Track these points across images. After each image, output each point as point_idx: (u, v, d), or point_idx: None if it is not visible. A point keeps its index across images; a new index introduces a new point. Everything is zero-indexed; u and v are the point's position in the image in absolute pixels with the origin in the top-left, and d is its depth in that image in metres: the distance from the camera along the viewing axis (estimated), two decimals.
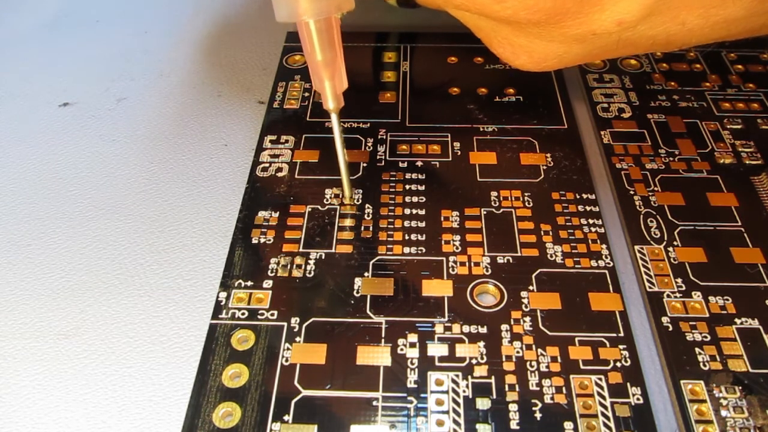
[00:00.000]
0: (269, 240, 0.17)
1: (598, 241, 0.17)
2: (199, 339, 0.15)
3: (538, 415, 0.14)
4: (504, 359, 0.15)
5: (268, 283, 0.16)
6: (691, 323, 0.15)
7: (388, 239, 0.17)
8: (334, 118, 0.16)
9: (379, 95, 0.22)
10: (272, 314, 0.16)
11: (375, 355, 0.15)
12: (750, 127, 0.20)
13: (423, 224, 0.17)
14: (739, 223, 0.17)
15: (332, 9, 0.15)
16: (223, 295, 0.16)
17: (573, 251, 0.17)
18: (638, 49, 0.16)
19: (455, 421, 0.14)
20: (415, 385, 0.14)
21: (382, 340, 0.15)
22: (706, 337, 0.15)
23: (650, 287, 0.16)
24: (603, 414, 0.14)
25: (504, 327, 0.15)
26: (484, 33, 0.17)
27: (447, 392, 0.14)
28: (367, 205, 0.18)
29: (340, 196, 0.18)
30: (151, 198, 0.19)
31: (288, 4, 0.15)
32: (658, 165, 0.19)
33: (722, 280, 0.16)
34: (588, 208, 0.18)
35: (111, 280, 0.17)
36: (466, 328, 0.15)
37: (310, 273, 0.16)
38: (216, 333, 0.15)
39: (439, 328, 0.15)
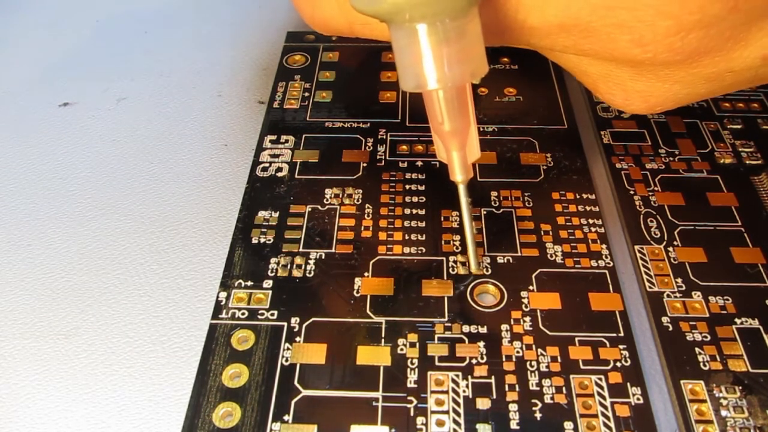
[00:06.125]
0: (269, 240, 0.17)
1: (598, 241, 0.17)
2: (199, 339, 0.15)
3: (538, 415, 0.14)
4: (504, 359, 0.15)
5: (268, 283, 0.16)
6: (691, 323, 0.15)
7: (388, 239, 0.17)
8: (462, 189, 0.15)
9: (379, 95, 0.21)
10: (272, 314, 0.16)
11: (375, 355, 0.15)
12: (750, 127, 0.20)
13: (423, 224, 0.17)
14: (739, 223, 0.17)
15: (467, 77, 0.13)
16: (223, 295, 0.16)
17: (573, 251, 0.17)
18: (764, 82, 0.15)
19: (455, 421, 0.14)
20: (415, 385, 0.14)
21: (382, 340, 0.15)
22: (706, 337, 0.15)
23: (650, 287, 0.16)
24: (603, 414, 0.14)
25: (504, 327, 0.15)
26: (592, 79, 0.16)
27: (447, 392, 0.14)
28: (367, 205, 0.18)
29: (466, 265, 0.16)
30: (151, 198, 0.19)
31: (416, 73, 0.13)
32: (658, 165, 0.19)
33: (722, 280, 0.16)
34: (588, 208, 0.18)
35: (111, 280, 0.17)
36: (466, 328, 0.15)
37: (310, 273, 0.16)
38: (216, 333, 0.15)
39: (439, 328, 0.15)
